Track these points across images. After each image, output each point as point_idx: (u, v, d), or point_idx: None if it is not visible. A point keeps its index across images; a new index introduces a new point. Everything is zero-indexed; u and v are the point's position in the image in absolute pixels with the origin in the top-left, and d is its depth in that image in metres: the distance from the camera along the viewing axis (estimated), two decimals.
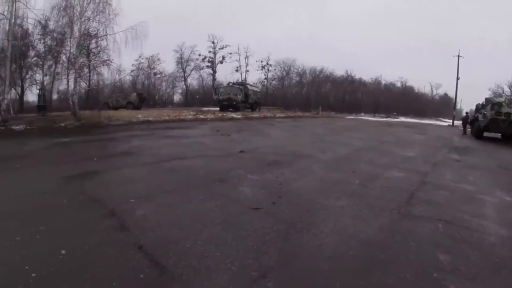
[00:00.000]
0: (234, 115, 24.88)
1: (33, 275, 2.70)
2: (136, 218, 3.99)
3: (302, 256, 3.28)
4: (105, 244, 3.28)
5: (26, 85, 33.93)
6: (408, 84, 73.15)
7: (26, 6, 16.11)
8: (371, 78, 71.52)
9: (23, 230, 3.54)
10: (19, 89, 32.05)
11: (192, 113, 23.50)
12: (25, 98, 34.31)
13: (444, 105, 76.10)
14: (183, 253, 3.15)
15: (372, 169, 7.78)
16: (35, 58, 30.16)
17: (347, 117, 35.23)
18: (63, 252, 3.05)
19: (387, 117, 45.56)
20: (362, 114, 53.34)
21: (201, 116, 21.65)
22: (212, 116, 22.31)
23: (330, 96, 65.15)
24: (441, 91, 80.00)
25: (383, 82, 72.58)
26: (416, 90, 75.75)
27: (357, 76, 68.37)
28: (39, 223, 3.73)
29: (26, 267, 2.81)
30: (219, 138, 12.49)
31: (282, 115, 30.29)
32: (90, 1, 17.21)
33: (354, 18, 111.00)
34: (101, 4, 17.41)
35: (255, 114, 28.69)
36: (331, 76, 66.49)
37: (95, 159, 7.46)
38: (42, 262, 2.89)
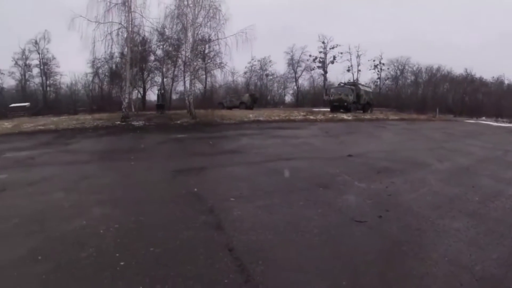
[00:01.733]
0: (344, 116, 24.04)
1: (122, 263, 2.84)
2: (232, 218, 3.98)
3: (403, 285, 2.83)
4: (197, 241, 3.31)
5: (148, 86, 38.71)
6: None
7: (142, 15, 18.08)
8: (493, 77, 63.12)
9: (123, 219, 3.82)
10: (141, 90, 36.57)
11: (302, 113, 23.48)
12: (147, 98, 39.29)
13: None
14: (273, 263, 2.97)
15: (495, 184, 6.55)
16: (155, 62, 33.98)
17: (467, 121, 31.50)
18: (151, 249, 3.14)
19: (510, 122, 39.52)
20: (483, 118, 47.25)
21: (311, 117, 21.45)
22: (322, 117, 21.94)
23: (448, 97, 59.02)
24: None
25: (506, 82, 63.38)
26: None
27: (477, 75, 60.79)
28: (139, 213, 3.98)
29: (117, 254, 2.99)
30: (328, 139, 12.11)
31: (396, 117, 28.30)
32: (201, 8, 18.47)
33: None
34: (211, 11, 18.54)
35: (367, 116, 27.34)
36: (449, 75, 60.12)
37: (204, 155, 7.84)
38: (133, 252, 3.03)
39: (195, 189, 5.07)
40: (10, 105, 36.60)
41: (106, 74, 37.07)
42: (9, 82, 45.81)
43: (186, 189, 5.10)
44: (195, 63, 19.84)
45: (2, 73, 44.45)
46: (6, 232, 3.77)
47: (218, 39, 18.83)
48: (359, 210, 4.54)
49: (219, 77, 22.54)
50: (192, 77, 19.60)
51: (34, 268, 2.88)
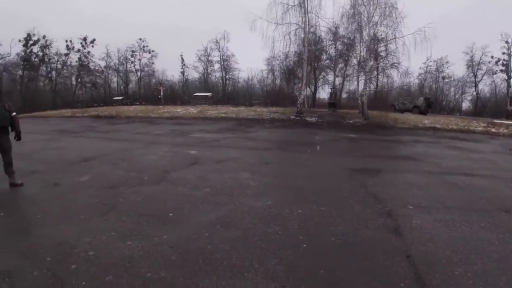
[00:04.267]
0: None
1: (304, 245, 3.16)
2: (411, 226, 3.86)
3: None
4: (375, 242, 3.36)
5: (319, 84, 39.94)
6: None
7: (317, 16, 18.55)
8: None
9: (305, 206, 4.18)
10: (312, 87, 38.13)
11: (482, 124, 20.32)
12: (317, 95, 40.68)
13: None
14: (449, 280, 2.81)
15: None
16: (327, 61, 34.91)
17: None
18: (332, 238, 3.34)
19: None
20: None
21: (493, 130, 18.38)
22: (505, 130, 18.62)
23: None
24: None
25: None
26: None
27: None
28: (320, 203, 4.28)
29: (300, 237, 3.31)
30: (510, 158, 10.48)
31: None
32: (377, 7, 17.87)
33: None
34: (387, 9, 17.73)
35: None
36: None
37: (378, 157, 7.79)
38: (315, 238, 3.31)
39: (373, 190, 5.11)
40: (194, 94, 42.92)
41: (281, 71, 39.96)
42: (193, 75, 55.51)
43: (364, 188, 5.19)
44: (370, 63, 19.52)
45: (187, 67, 53.86)
46: (199, 198, 4.62)
47: (394, 38, 18.01)
48: None
49: (395, 77, 21.51)
50: (367, 78, 19.34)
51: (224, 232, 3.46)
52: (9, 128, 5.62)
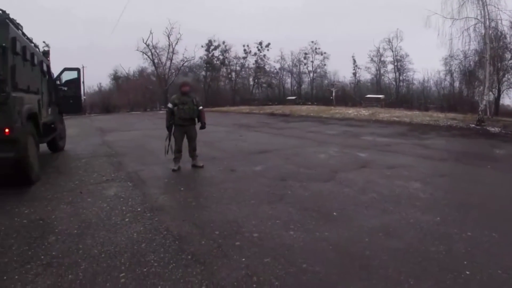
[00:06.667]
0: None
1: (467, 272, 2.74)
2: None
3: None
4: None
5: (503, 88, 32.82)
6: None
7: (498, 8, 15.31)
8: None
9: (476, 228, 3.65)
10: (495, 92, 31.56)
11: None
12: (500, 101, 33.48)
13: None
14: None
15: None
16: (511, 61, 28.34)
17: None
18: (499, 271, 2.77)
19: None
20: None
21: None
22: None
23: None
24: None
25: None
26: None
27: None
28: (494, 228, 3.64)
29: (465, 262, 2.87)
30: None
31: None
32: None
33: None
34: None
35: None
36: None
37: None
38: (479, 266, 2.84)
39: None
40: (366, 96, 41.52)
41: (460, 72, 35.37)
42: (365, 76, 53.10)
43: None
44: None
45: (359, 68, 51.64)
46: (365, 202, 4.56)
47: None
48: None
49: None
50: None
51: (385, 241, 3.35)
52: (196, 120, 6.80)
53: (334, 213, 4.16)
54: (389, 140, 10.56)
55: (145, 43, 45.87)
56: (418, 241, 3.37)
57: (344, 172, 6.29)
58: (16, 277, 2.84)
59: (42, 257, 3.19)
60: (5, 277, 2.83)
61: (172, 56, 47.83)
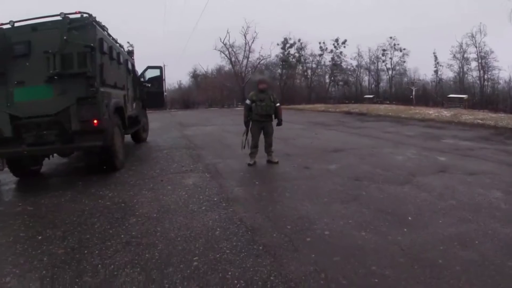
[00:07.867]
0: None
1: None
2: None
3: None
4: None
5: None
6: None
7: None
8: None
9: None
10: None
11: None
12: None
13: None
14: None
15: None
16: None
17: None
18: None
19: None
20: None
21: None
22: None
23: None
24: None
25: None
26: None
27: None
28: None
29: None
30: None
31: None
32: None
33: None
34: None
35: None
36: None
37: None
38: None
39: None
40: (448, 96, 38.44)
41: None
42: (447, 74, 48.97)
43: None
44: None
45: (441, 65, 47.72)
46: (442, 209, 4.25)
47: None
48: None
49: None
50: None
51: (459, 251, 3.11)
52: (273, 116, 6.87)
53: (409, 218, 3.96)
54: (472, 144, 9.74)
55: (223, 42, 47.68)
56: (494, 254, 3.07)
57: (422, 175, 5.95)
58: (96, 252, 3.21)
59: (122, 236, 3.57)
60: (85, 251, 3.21)
61: (249, 54, 49.14)
